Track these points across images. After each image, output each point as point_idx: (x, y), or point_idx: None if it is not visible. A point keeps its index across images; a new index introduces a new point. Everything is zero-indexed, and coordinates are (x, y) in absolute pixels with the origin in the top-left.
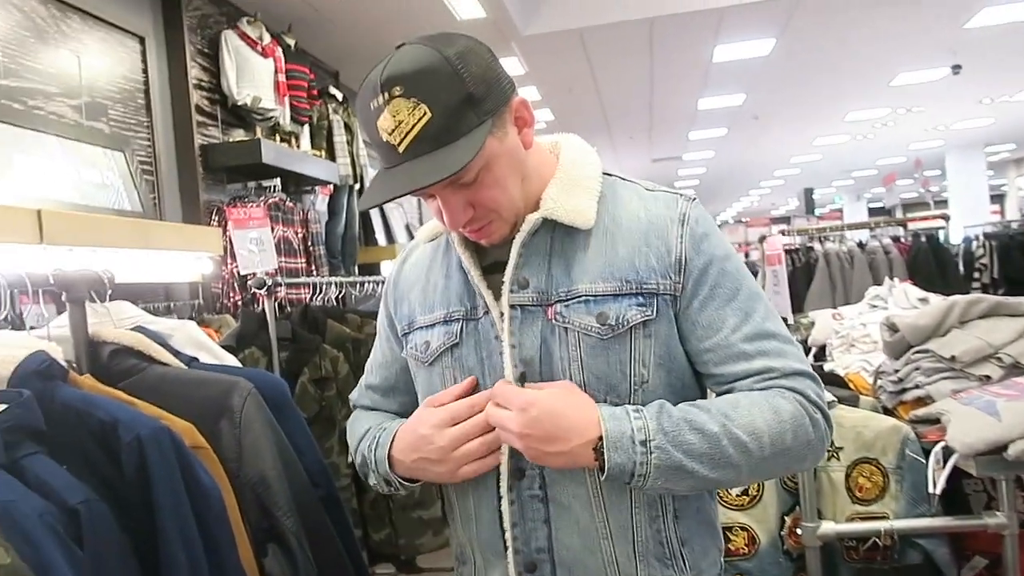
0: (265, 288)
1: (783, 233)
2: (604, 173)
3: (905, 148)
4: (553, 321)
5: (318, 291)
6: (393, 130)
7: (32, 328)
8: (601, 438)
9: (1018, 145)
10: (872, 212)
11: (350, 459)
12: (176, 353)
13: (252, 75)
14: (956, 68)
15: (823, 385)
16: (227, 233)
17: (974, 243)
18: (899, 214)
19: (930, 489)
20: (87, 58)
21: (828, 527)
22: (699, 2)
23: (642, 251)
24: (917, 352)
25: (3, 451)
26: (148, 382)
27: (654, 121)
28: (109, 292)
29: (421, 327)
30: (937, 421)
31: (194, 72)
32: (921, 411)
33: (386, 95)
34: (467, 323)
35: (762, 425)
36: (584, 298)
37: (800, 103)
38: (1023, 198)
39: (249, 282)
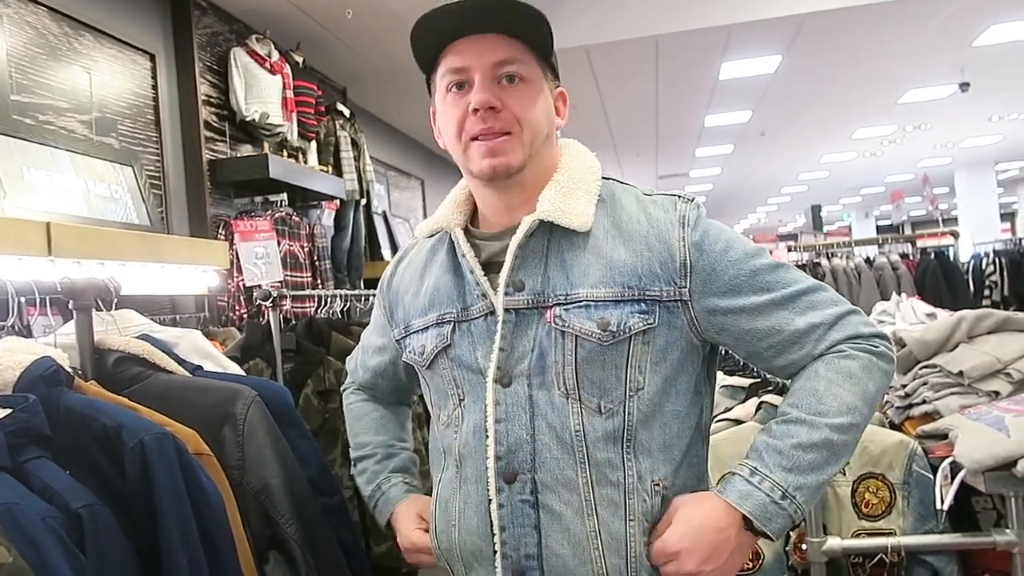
0: (270, 300)
1: (790, 249)
2: (603, 177)
3: (913, 165)
4: (552, 324)
5: (323, 304)
6: None
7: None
8: (747, 518)
9: None
10: (880, 229)
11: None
12: (181, 361)
13: (260, 91)
14: (964, 86)
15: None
16: (233, 246)
17: (984, 260)
18: (907, 231)
19: (938, 505)
20: (98, 74)
21: (834, 543)
22: (706, 20)
23: (644, 256)
24: (925, 367)
25: (7, 454)
26: (153, 389)
27: (660, 138)
28: (115, 300)
29: (417, 331)
30: (945, 437)
31: (203, 88)
32: (929, 426)
33: None
34: (459, 324)
35: (849, 398)
36: (584, 302)
37: (807, 120)
38: None
39: (255, 294)
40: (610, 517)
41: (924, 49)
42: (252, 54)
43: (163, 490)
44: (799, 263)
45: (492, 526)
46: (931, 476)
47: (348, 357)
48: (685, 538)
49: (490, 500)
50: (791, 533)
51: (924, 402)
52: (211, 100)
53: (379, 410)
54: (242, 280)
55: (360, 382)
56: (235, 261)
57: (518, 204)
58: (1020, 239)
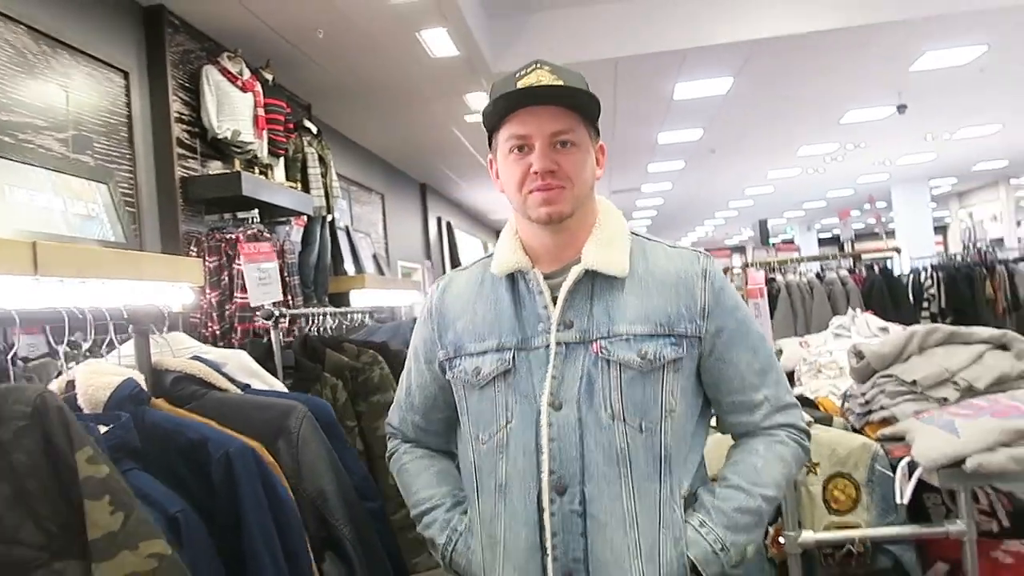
0: (272, 319)
1: (745, 266)
2: (632, 232)
3: (853, 181)
4: (599, 354)
5: (312, 322)
6: (552, 77)
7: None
8: (692, 561)
9: (959, 179)
10: (822, 242)
11: None
12: (231, 380)
13: (232, 109)
14: (902, 107)
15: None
16: (208, 264)
17: (923, 274)
18: (849, 246)
19: (898, 500)
20: (74, 92)
21: (808, 536)
22: (663, 44)
23: (673, 300)
24: (882, 377)
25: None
26: (209, 406)
27: (615, 154)
28: (167, 325)
29: (470, 354)
30: (902, 439)
31: (175, 106)
32: (888, 430)
33: (545, 67)
34: (519, 352)
35: (779, 477)
36: (625, 336)
37: (755, 138)
38: (964, 230)
39: (258, 313)
40: (648, 526)
41: (865, 73)
42: (224, 72)
43: (247, 497)
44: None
45: (543, 533)
46: (891, 474)
47: (385, 420)
48: None
49: (543, 509)
50: (770, 528)
51: (882, 408)
52: (183, 117)
53: (436, 464)
54: (215, 297)
55: (408, 436)
56: (207, 278)
57: (565, 244)
58: (955, 255)
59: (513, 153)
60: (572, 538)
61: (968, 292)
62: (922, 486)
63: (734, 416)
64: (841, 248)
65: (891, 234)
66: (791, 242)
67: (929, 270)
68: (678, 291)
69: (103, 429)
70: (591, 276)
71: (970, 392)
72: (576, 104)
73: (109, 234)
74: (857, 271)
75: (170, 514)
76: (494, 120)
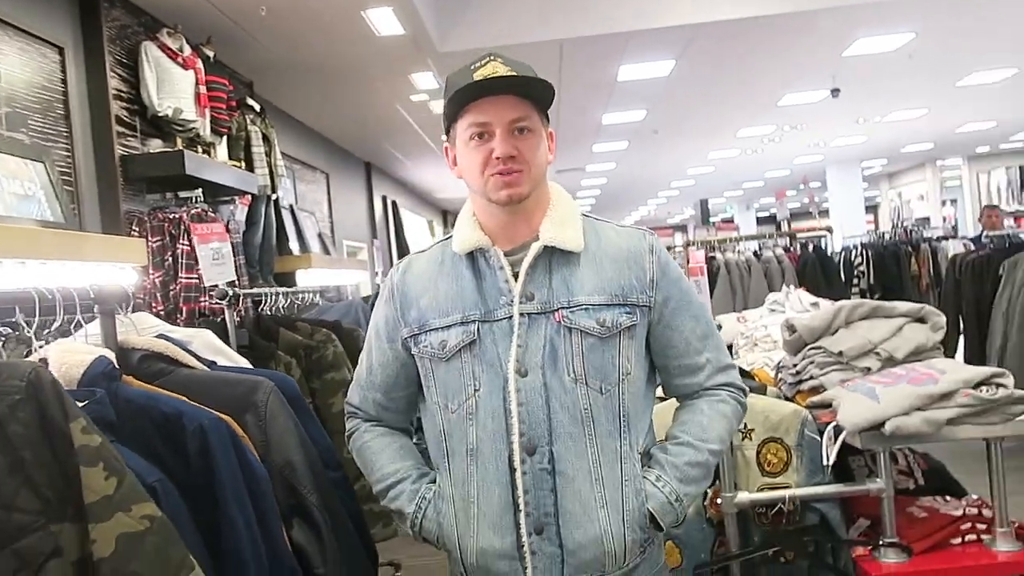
0: (227, 299)
1: (687, 245)
2: (583, 214)
3: (790, 162)
4: (561, 323)
5: (265, 302)
6: (506, 68)
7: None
8: (651, 512)
9: (889, 160)
10: (760, 221)
11: None
12: (197, 357)
13: (172, 86)
14: (835, 91)
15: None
16: (152, 244)
17: (853, 252)
18: (786, 225)
19: (824, 461)
20: (6, 68)
21: (743, 496)
22: (608, 26)
23: (625, 273)
24: (811, 349)
25: None
26: (178, 383)
27: (561, 134)
28: (130, 305)
29: (435, 328)
30: (829, 406)
31: (113, 83)
32: (816, 398)
33: (498, 59)
34: (483, 324)
35: (723, 432)
36: (584, 306)
37: (696, 119)
38: (893, 209)
39: (212, 293)
40: (611, 479)
41: (800, 58)
42: (163, 48)
43: (221, 467)
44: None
45: (516, 492)
46: (819, 438)
47: (344, 399)
48: None
49: (514, 469)
50: (708, 491)
51: (811, 378)
52: (122, 95)
53: (397, 440)
54: (158, 277)
55: (368, 415)
56: (151, 258)
57: (521, 224)
58: (883, 233)
59: (474, 140)
60: (543, 494)
61: (895, 269)
62: (847, 449)
63: (680, 379)
64: (778, 227)
65: (824, 213)
66: (731, 221)
67: (859, 248)
68: (629, 265)
69: (79, 405)
70: (549, 252)
71: (891, 362)
72: (531, 93)
73: (47, 214)
74: (792, 250)
75: (148, 483)
76: (455, 110)
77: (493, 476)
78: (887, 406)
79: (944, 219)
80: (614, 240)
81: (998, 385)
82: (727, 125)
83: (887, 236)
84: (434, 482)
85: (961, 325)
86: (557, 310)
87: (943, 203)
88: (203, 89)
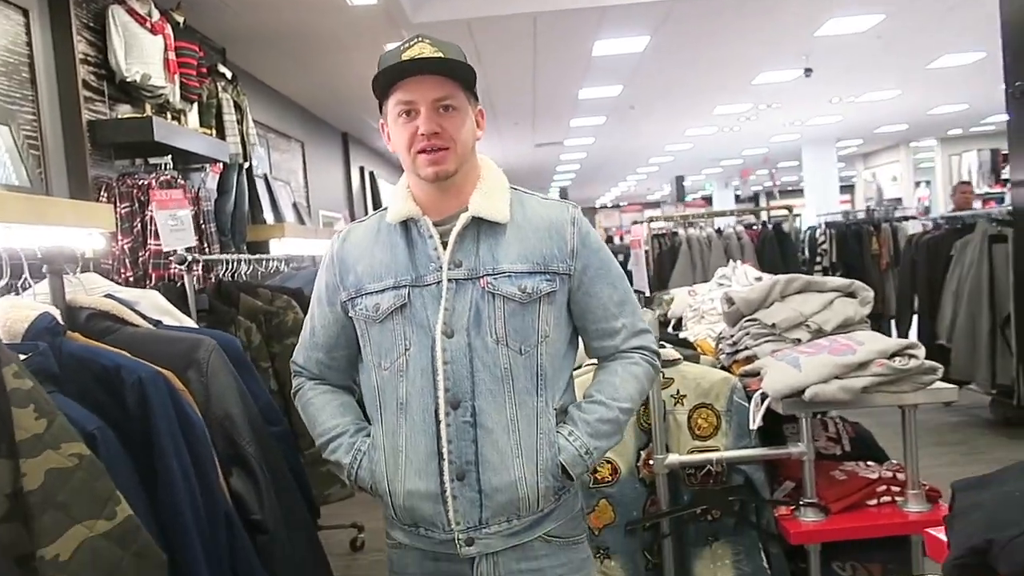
0: (185, 264)
1: (652, 219)
2: (511, 187)
3: (767, 140)
4: (485, 288)
5: (229, 267)
6: (433, 49)
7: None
8: (562, 464)
9: (865, 140)
10: (739, 199)
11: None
12: (144, 317)
13: (141, 52)
14: (808, 71)
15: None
16: (120, 210)
17: (818, 231)
18: (763, 202)
19: (751, 426)
20: None
21: (673, 459)
22: (581, 0)
23: (547, 242)
24: (748, 321)
25: None
26: (123, 340)
27: (537, 108)
28: (79, 266)
29: (370, 292)
30: (758, 374)
31: (80, 47)
32: (748, 367)
33: (426, 41)
34: (413, 288)
35: (634, 392)
36: (508, 273)
37: (672, 96)
38: (874, 188)
39: (171, 258)
40: (527, 432)
41: (772, 37)
42: (131, 12)
43: (158, 417)
44: (662, 232)
45: (440, 442)
46: (747, 404)
47: (291, 359)
48: None
49: (439, 422)
50: (641, 452)
51: (746, 348)
52: (89, 59)
53: (339, 398)
54: (127, 243)
55: (312, 373)
56: (119, 224)
57: (451, 197)
58: (847, 212)
59: (401, 118)
60: (465, 444)
61: (857, 248)
62: (781, 417)
63: (597, 342)
64: (757, 204)
65: (799, 192)
66: (709, 199)
67: (823, 227)
68: (551, 235)
69: (22, 357)
70: (477, 222)
71: (820, 334)
72: (455, 73)
73: (12, 178)
74: (755, 228)
75: (88, 431)
76: (384, 88)
77: (420, 427)
78: (807, 374)
79: (919, 200)
80: (539, 211)
81: (910, 356)
82: (704, 102)
83: (855, 216)
84: (369, 435)
85: (916, 303)
86: (482, 276)
87: (917, 184)
88: (172, 55)
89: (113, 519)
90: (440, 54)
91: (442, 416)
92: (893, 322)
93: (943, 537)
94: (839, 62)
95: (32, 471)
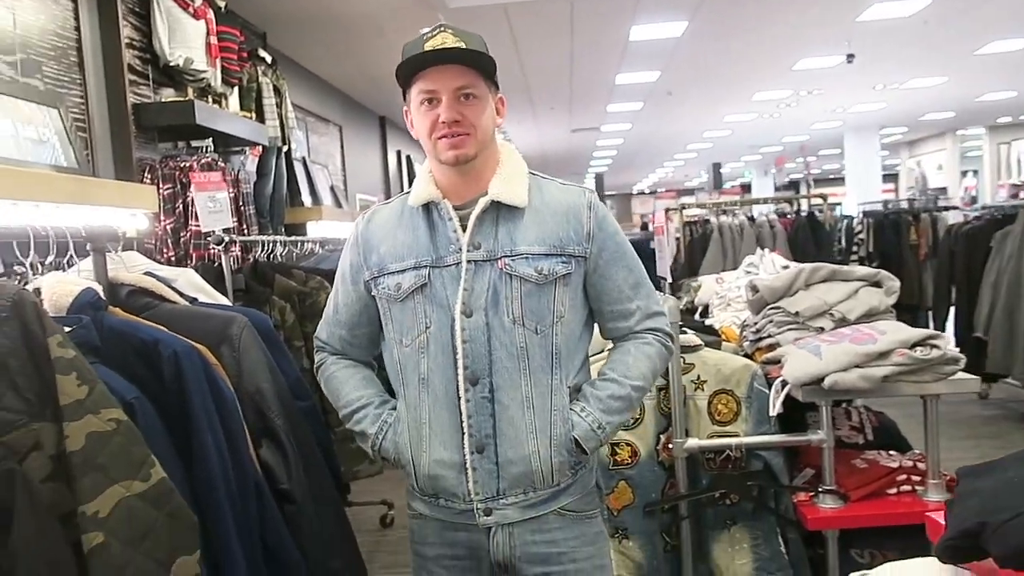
0: (223, 245)
1: (684, 207)
2: (530, 172)
3: (808, 127)
4: (503, 270)
5: (264, 248)
6: (455, 39)
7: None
8: (576, 439)
9: (910, 128)
10: (778, 187)
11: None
12: (180, 294)
13: (184, 36)
14: (850, 57)
15: (667, 315)
16: (163, 192)
17: (855, 220)
18: (803, 191)
19: (770, 412)
20: (21, 14)
21: (693, 443)
22: None
23: (564, 226)
24: (771, 309)
25: None
26: (161, 316)
27: (574, 94)
28: (121, 244)
29: (392, 272)
30: (779, 361)
31: (126, 31)
32: (770, 354)
33: (448, 31)
34: (433, 269)
35: (646, 371)
36: (525, 255)
37: (711, 82)
38: (916, 178)
39: (210, 239)
40: (542, 408)
41: (813, 22)
42: None
43: (193, 390)
44: (694, 219)
45: (461, 415)
46: (767, 391)
47: (315, 334)
48: None
49: (459, 397)
50: (661, 436)
51: (769, 336)
52: (134, 43)
53: (361, 371)
54: (169, 224)
55: (335, 349)
56: (162, 205)
57: (471, 182)
58: (887, 202)
59: (424, 105)
60: (483, 419)
61: (894, 238)
62: (804, 405)
63: (612, 323)
64: (797, 192)
65: (840, 180)
66: (748, 186)
67: (860, 216)
68: (568, 219)
69: (67, 329)
70: (496, 206)
71: (843, 323)
72: (475, 63)
73: (61, 159)
74: (788, 216)
75: (126, 400)
76: (407, 77)
77: (442, 402)
78: (828, 362)
79: (965, 189)
80: (556, 196)
81: (932, 346)
82: (743, 88)
83: (890, 205)
84: (395, 408)
85: (953, 294)
86: (500, 258)
87: (963, 174)
88: (214, 40)
89: (148, 481)
90: (462, 44)
91: (462, 392)
92: (930, 314)
93: (943, 521)
94: (883, 48)
95: (74, 434)
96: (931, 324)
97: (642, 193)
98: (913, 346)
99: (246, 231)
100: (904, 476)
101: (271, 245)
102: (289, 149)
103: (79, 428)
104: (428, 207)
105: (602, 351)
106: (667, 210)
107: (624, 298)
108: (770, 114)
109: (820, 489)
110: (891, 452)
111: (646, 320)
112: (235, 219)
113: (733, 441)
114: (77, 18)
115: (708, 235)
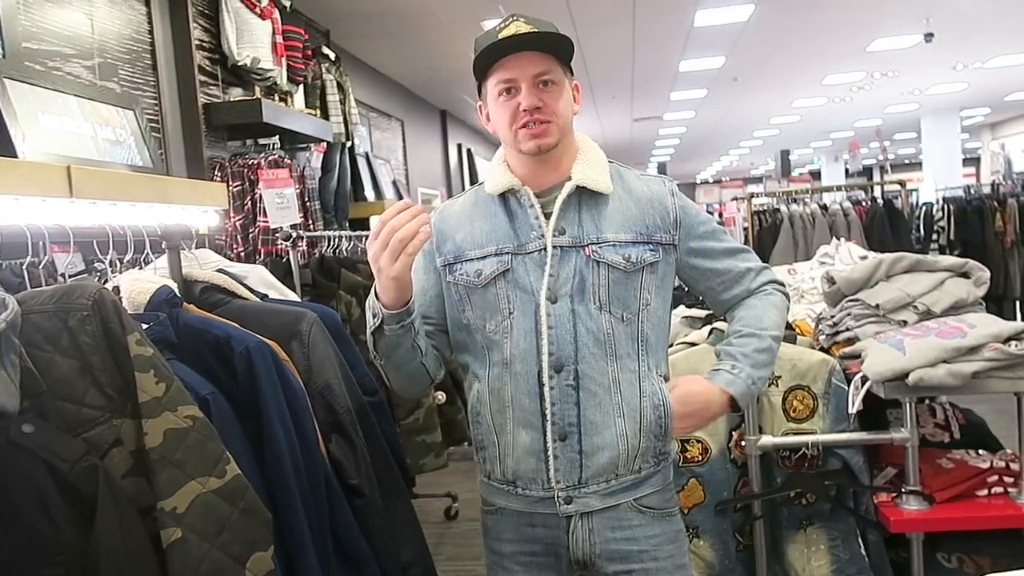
0: (291, 240)
1: (752, 195)
2: (608, 161)
3: (881, 111)
4: (590, 256)
5: (330, 243)
6: (528, 27)
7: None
8: (732, 398)
9: (993, 110)
10: (849, 174)
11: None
12: (251, 290)
13: (251, 36)
14: (929, 36)
15: None
16: (232, 189)
17: (935, 207)
18: (877, 177)
19: (849, 410)
20: (98, 20)
21: (767, 440)
22: None
23: (649, 213)
24: (850, 301)
25: None
26: (233, 312)
27: (636, 82)
28: (194, 242)
29: (471, 259)
30: (859, 356)
31: (196, 33)
32: (847, 349)
33: (521, 19)
34: (515, 256)
35: (778, 319)
36: (612, 243)
37: (778, 66)
38: (1000, 161)
39: (278, 235)
40: (629, 392)
41: (890, 0)
42: None
43: (265, 385)
44: (763, 208)
45: (544, 403)
46: (846, 387)
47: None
48: (681, 392)
49: (542, 384)
50: (733, 433)
51: (848, 329)
52: (204, 44)
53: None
54: (238, 220)
55: None
56: (231, 202)
57: (550, 170)
58: (968, 187)
59: (502, 96)
60: (568, 407)
61: (978, 225)
62: (886, 402)
63: (728, 292)
64: (869, 178)
65: (917, 165)
66: (818, 173)
67: (940, 203)
68: (653, 206)
69: (144, 326)
70: (579, 192)
71: (928, 315)
72: (552, 48)
73: (136, 159)
74: (864, 203)
75: (201, 396)
76: (483, 69)
77: (524, 388)
78: (912, 358)
79: None
80: (638, 185)
81: None
82: (812, 72)
83: (972, 191)
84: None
85: None
86: (587, 245)
87: None
88: (280, 39)
89: (223, 477)
90: (535, 30)
91: (545, 379)
92: (1017, 304)
93: None
94: (964, 25)
95: (153, 430)
96: (1017, 315)
97: (706, 182)
98: (1006, 340)
99: (312, 226)
100: (996, 477)
101: (337, 240)
102: (352, 145)
103: (157, 425)
104: (505, 195)
105: (671, 344)
106: (750, 196)
107: (733, 265)
108: (841, 98)
109: (904, 490)
110: (980, 452)
111: (759, 276)
112: (301, 215)
113: (810, 438)
114: (150, 22)
115: (778, 224)
